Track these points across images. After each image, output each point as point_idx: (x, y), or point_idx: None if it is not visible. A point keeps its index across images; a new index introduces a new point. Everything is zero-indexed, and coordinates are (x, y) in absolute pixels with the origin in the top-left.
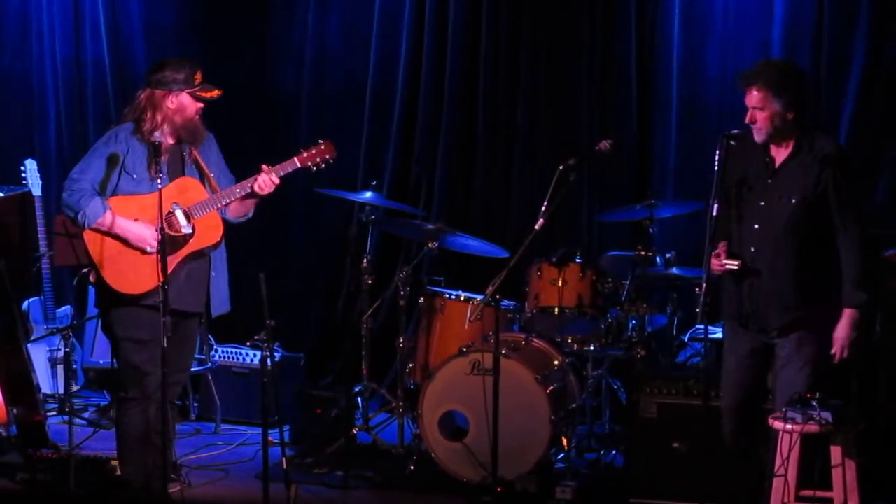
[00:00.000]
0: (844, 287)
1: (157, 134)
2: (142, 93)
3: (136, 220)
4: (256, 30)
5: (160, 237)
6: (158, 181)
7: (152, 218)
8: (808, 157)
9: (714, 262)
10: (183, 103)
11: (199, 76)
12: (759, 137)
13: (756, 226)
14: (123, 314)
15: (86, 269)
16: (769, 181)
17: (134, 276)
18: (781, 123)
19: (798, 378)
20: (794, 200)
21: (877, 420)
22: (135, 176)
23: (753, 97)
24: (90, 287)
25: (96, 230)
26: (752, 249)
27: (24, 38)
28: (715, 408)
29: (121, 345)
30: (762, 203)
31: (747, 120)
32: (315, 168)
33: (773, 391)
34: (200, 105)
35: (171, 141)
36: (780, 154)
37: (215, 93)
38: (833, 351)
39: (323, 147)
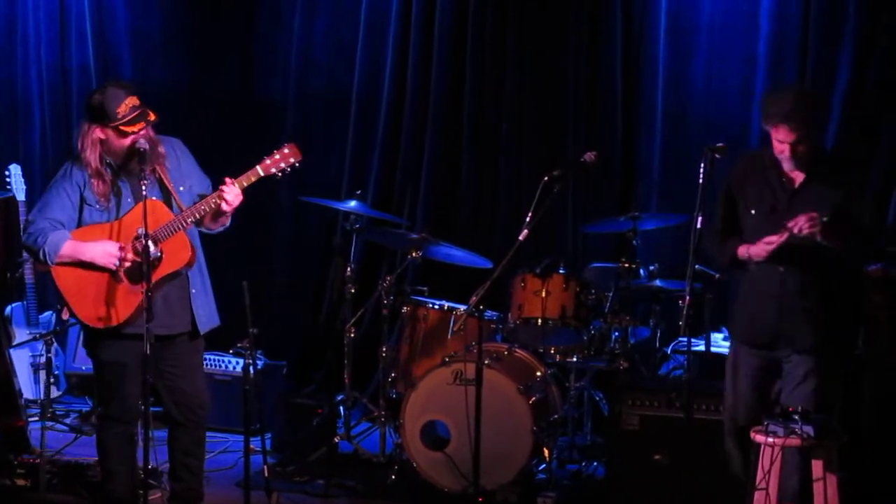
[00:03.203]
0: None
1: (141, 141)
2: (83, 122)
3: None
4: (242, 36)
5: (134, 250)
6: (143, 188)
7: (123, 242)
8: (833, 175)
9: (761, 247)
10: (109, 136)
11: (122, 108)
12: (788, 166)
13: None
14: (106, 344)
15: (59, 306)
16: (791, 201)
17: (108, 308)
18: (814, 151)
19: (814, 396)
20: (825, 219)
21: (859, 434)
22: (97, 206)
23: (794, 133)
24: None
25: (62, 264)
26: (782, 270)
27: (10, 43)
28: (697, 420)
29: (105, 369)
30: (788, 224)
31: (780, 153)
32: (281, 174)
33: (781, 404)
34: (128, 139)
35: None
36: (797, 174)
37: (137, 127)
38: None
39: (287, 151)
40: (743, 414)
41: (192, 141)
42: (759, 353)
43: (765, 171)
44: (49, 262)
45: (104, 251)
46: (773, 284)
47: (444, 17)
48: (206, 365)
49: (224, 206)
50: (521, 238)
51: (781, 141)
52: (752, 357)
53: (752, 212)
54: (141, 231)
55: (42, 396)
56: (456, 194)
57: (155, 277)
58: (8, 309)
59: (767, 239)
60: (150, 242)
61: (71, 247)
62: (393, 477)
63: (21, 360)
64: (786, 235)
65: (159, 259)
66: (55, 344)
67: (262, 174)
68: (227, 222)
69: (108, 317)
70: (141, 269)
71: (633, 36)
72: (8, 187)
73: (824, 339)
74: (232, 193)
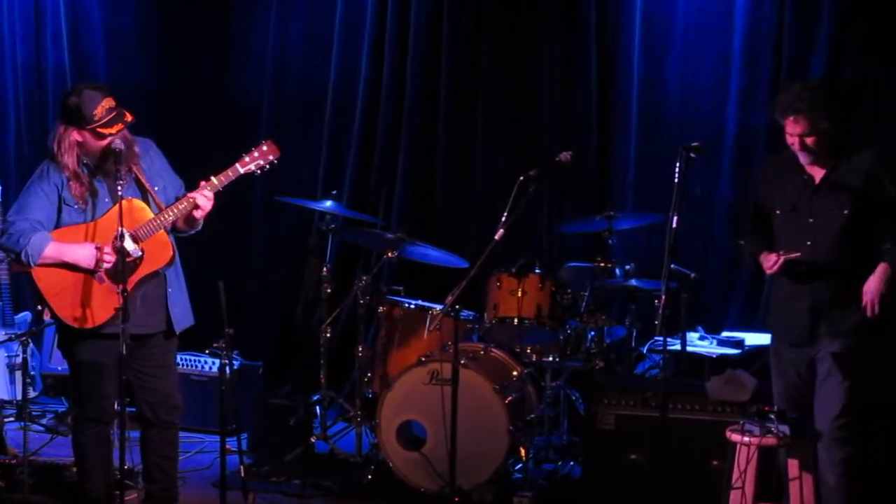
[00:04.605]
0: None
1: (117, 142)
2: (59, 124)
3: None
4: (217, 36)
5: (114, 250)
6: (119, 189)
7: (103, 242)
8: (851, 167)
9: (770, 263)
10: (86, 138)
11: (99, 110)
12: (805, 160)
13: (808, 242)
14: (84, 344)
15: (40, 307)
16: (813, 197)
17: (90, 308)
18: (828, 142)
19: (839, 390)
20: (846, 212)
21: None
22: (76, 207)
23: (799, 125)
24: None
25: (43, 265)
26: (812, 278)
27: None
28: (673, 420)
29: (81, 369)
30: (811, 220)
31: (792, 146)
32: (260, 171)
33: (811, 404)
34: (105, 141)
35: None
36: (817, 170)
37: (115, 129)
38: (864, 303)
39: (265, 148)
40: (789, 408)
41: (168, 139)
42: (798, 350)
43: (789, 170)
44: (31, 264)
45: (88, 253)
46: (804, 291)
47: (420, 17)
48: (182, 365)
49: (196, 213)
50: (496, 238)
51: (791, 134)
52: (790, 352)
53: (777, 212)
54: (120, 231)
55: (18, 397)
56: (432, 194)
57: (136, 277)
58: None
59: (768, 257)
60: (130, 241)
61: (54, 248)
62: (369, 477)
63: None
64: (782, 260)
65: (141, 258)
66: (31, 344)
67: (241, 171)
68: (199, 226)
69: (90, 317)
70: (123, 269)
71: (608, 35)
72: None
73: (857, 330)
74: (203, 198)
